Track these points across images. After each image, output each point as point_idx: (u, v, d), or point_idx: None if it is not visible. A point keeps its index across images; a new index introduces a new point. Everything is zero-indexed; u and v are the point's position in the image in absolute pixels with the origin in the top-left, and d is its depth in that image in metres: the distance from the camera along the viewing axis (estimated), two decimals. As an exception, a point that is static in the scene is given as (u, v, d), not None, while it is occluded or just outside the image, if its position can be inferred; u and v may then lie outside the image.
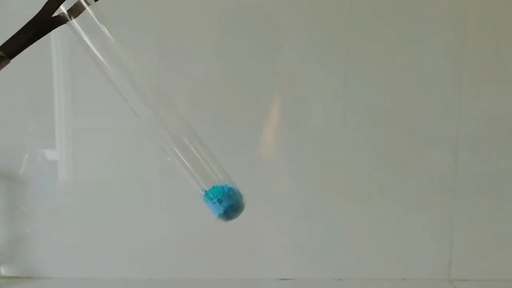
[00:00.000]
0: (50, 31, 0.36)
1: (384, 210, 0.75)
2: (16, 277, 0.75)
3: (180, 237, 0.75)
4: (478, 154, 0.74)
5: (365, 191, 0.75)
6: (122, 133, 0.72)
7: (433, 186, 0.74)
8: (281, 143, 0.74)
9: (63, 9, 0.37)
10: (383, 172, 0.74)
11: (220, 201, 0.38)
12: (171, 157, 0.38)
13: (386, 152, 0.74)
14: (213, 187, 0.38)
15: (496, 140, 0.74)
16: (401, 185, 0.74)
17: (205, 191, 0.38)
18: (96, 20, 0.37)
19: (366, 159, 0.74)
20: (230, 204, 0.38)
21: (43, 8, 0.36)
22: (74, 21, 0.37)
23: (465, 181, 0.74)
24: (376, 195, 0.74)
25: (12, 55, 0.36)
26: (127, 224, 0.75)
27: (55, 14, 0.37)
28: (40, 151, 0.74)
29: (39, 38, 0.36)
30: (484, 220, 0.75)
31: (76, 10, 0.37)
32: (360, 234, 0.75)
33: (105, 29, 0.37)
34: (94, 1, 0.37)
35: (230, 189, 0.38)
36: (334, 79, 0.73)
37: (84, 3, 0.37)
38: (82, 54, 0.38)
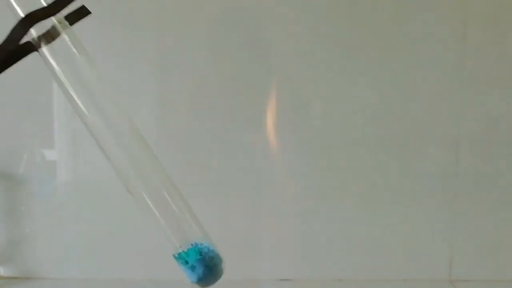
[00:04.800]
0: (18, 61, 0.33)
1: (384, 210, 0.74)
2: (16, 278, 0.75)
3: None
4: (479, 154, 0.74)
5: (366, 191, 0.74)
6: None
7: (434, 186, 0.74)
8: (280, 143, 0.74)
9: (34, 34, 0.32)
10: (383, 172, 0.74)
11: (193, 267, 0.33)
12: (142, 208, 0.34)
13: (386, 152, 0.74)
14: (189, 249, 0.33)
15: (497, 140, 0.74)
16: (402, 185, 0.74)
17: (179, 253, 0.33)
18: (72, 48, 0.33)
19: (366, 159, 0.74)
20: (205, 272, 0.33)
21: (7, 36, 0.32)
22: (45, 49, 0.33)
23: (466, 181, 0.74)
24: (376, 195, 0.74)
25: None
26: (127, 224, 0.74)
27: (24, 40, 0.32)
28: (39, 151, 0.74)
29: (4, 70, 0.32)
30: (485, 220, 0.75)
31: (49, 36, 0.32)
32: (361, 235, 0.75)
33: (82, 58, 0.33)
34: (69, 26, 0.33)
35: (207, 253, 0.33)
36: (334, 79, 0.73)
37: (59, 28, 0.32)
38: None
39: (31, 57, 0.74)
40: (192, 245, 0.33)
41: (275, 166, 0.75)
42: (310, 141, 0.74)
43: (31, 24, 0.32)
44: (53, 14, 0.32)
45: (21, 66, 0.72)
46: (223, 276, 0.78)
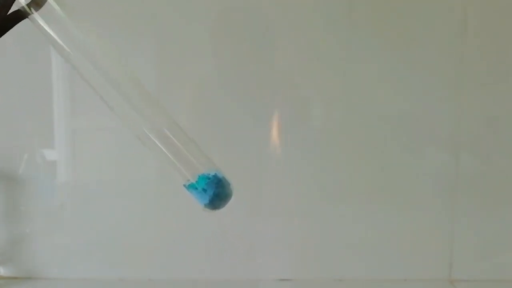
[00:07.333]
0: (11, 28, 0.34)
1: (384, 210, 0.74)
2: (16, 278, 0.75)
3: (180, 237, 0.75)
4: (479, 154, 0.74)
5: (365, 191, 0.74)
6: (121, 133, 0.71)
7: (434, 186, 0.74)
8: (281, 143, 0.74)
9: (22, 2, 0.34)
10: (383, 172, 0.74)
11: (204, 190, 0.36)
12: (150, 147, 0.37)
13: (386, 152, 0.74)
14: (198, 176, 0.36)
15: (497, 140, 0.74)
16: (401, 185, 0.74)
17: (189, 184, 0.36)
18: (59, 11, 0.34)
19: (366, 159, 0.74)
20: (216, 193, 0.36)
21: None
22: (36, 15, 0.34)
23: (466, 181, 0.74)
24: (376, 195, 0.74)
25: None
26: (126, 224, 0.75)
27: (14, 8, 0.34)
28: (39, 151, 0.74)
29: None
30: (485, 220, 0.75)
31: (36, 3, 0.34)
32: (361, 234, 0.75)
33: (68, 20, 0.35)
34: None
35: (215, 176, 0.36)
36: (334, 79, 0.73)
37: None
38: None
39: (31, 58, 0.74)
40: (199, 176, 0.36)
41: (275, 166, 0.74)
42: (310, 141, 0.74)
43: None
44: None
45: (21, 66, 0.72)
46: (223, 276, 0.79)
